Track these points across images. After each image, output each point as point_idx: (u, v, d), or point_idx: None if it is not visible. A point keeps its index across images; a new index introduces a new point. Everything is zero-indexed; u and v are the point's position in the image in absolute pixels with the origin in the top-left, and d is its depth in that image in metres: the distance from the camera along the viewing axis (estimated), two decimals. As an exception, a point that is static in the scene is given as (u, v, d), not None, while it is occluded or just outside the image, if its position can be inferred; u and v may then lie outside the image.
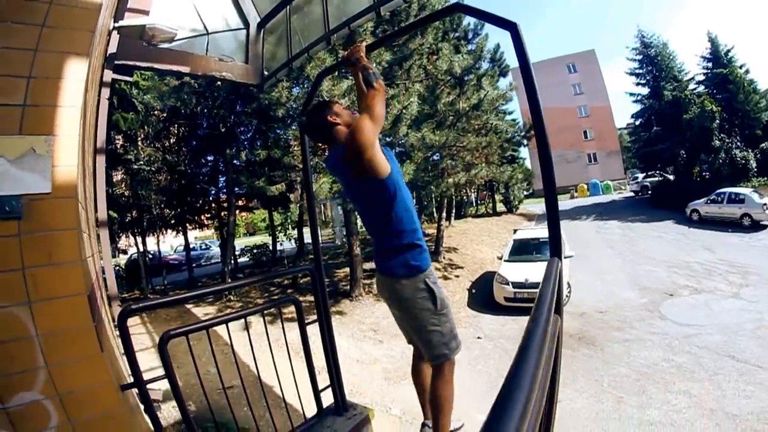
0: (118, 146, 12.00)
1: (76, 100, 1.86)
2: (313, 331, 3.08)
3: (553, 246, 1.97)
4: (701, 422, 5.16)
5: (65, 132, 1.81)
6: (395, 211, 2.16)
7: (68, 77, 1.86)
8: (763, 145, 22.94)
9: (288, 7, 5.22)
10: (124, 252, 17.84)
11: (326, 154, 2.41)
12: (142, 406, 2.27)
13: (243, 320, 2.71)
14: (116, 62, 4.77)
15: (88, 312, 1.84)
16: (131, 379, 2.22)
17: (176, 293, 12.89)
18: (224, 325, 2.58)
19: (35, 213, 1.75)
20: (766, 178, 21.71)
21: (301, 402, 2.99)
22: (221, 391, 3.31)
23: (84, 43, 1.95)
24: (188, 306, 10.91)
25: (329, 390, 3.12)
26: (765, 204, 16.47)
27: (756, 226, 16.27)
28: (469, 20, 17.04)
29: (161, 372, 2.27)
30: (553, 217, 1.99)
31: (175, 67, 5.29)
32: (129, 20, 4.54)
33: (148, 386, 2.19)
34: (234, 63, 5.71)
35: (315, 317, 3.13)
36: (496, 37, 63.69)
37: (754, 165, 22.65)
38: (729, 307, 8.68)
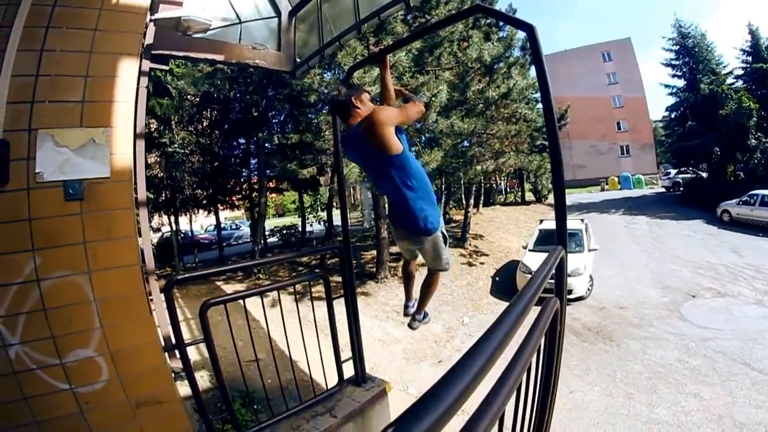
0: (153, 130, 12.45)
1: (129, 96, 2.13)
2: (339, 310, 3.33)
3: (560, 236, 2.14)
4: (708, 427, 5.16)
5: (120, 124, 2.08)
6: (411, 180, 2.54)
7: (121, 75, 2.12)
8: None
9: None
10: (158, 230, 18.45)
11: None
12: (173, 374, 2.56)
13: (271, 297, 2.95)
14: (153, 52, 5.03)
15: (141, 280, 2.13)
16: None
17: (215, 267, 13.46)
18: (255, 301, 2.83)
19: (95, 194, 2.05)
20: None
21: (324, 374, 3.27)
22: (248, 363, 3.60)
23: (134, 44, 2.21)
24: (218, 283, 11.37)
25: (350, 363, 3.38)
26: None
27: None
28: (502, 5, 16.84)
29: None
30: (560, 209, 2.15)
31: (209, 56, 5.51)
32: (164, 12, 4.79)
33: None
34: (267, 51, 5.91)
35: (342, 294, 3.38)
36: (534, 20, 62.00)
37: None
38: (751, 314, 8.46)
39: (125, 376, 2.17)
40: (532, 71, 18.80)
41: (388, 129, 2.40)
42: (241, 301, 2.80)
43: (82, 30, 2.14)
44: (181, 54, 5.44)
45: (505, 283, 12.00)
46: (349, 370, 3.44)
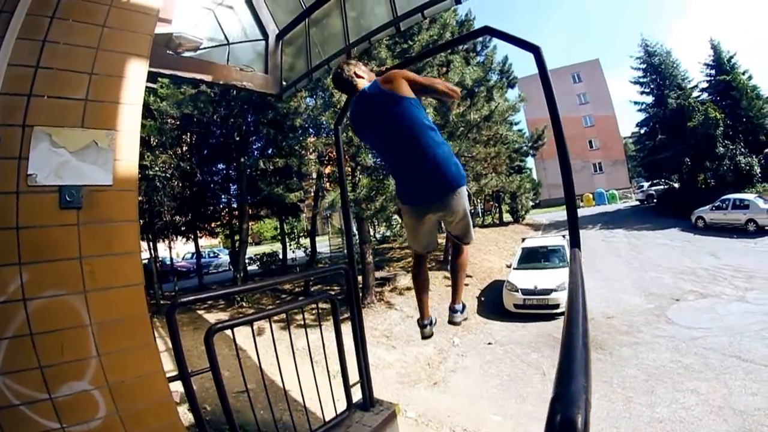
0: (134, 152, 12.12)
1: (136, 98, 1.97)
2: (330, 337, 3.17)
3: (573, 237, 2.16)
4: (709, 419, 5.27)
5: (126, 127, 1.91)
6: (431, 132, 2.41)
7: (129, 76, 1.97)
8: (767, 150, 22.90)
9: (307, 20, 5.35)
10: (135, 257, 17.86)
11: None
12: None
13: (257, 326, 2.76)
14: (141, 69, 4.92)
15: (144, 301, 1.91)
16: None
17: (216, 288, 13.00)
18: (242, 330, 2.64)
19: (95, 203, 1.83)
20: None
21: (333, 400, 3.08)
22: (243, 393, 3.38)
23: (144, 45, 2.07)
24: (200, 312, 10.99)
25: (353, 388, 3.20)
26: None
27: (761, 231, 16.27)
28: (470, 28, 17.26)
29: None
30: (572, 210, 2.22)
31: (198, 76, 5.40)
32: (156, 28, 4.69)
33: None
34: (254, 73, 5.83)
35: (327, 324, 3.26)
36: (504, 50, 64.16)
37: (758, 171, 22.51)
38: (734, 311, 8.77)
39: (126, 412, 1.89)
40: (509, 94, 19.45)
41: (404, 80, 2.37)
42: (228, 331, 2.55)
43: (90, 25, 1.97)
44: (169, 72, 5.31)
45: (491, 302, 11.94)
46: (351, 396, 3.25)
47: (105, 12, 2.01)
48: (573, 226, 2.17)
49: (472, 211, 32.88)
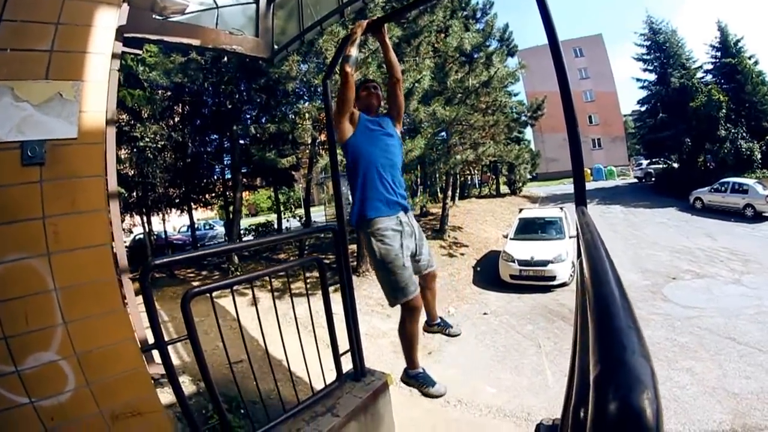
0: (123, 123, 11.88)
1: (105, 48, 1.81)
2: (320, 305, 3.06)
3: (579, 196, 1.99)
4: (703, 399, 5.26)
5: (94, 78, 1.76)
6: (351, 172, 2.62)
7: (97, 25, 1.81)
8: None
9: None
10: (130, 231, 17.76)
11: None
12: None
13: (249, 297, 2.65)
14: (126, 35, 4.72)
15: (111, 263, 1.78)
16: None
17: (180, 274, 12.95)
18: (231, 301, 2.53)
19: (59, 159, 1.68)
20: None
21: (322, 370, 2.97)
22: (235, 364, 3.31)
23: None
24: (195, 283, 10.94)
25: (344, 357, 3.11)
26: None
27: (758, 217, 16.15)
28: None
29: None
30: (578, 167, 2.07)
31: (185, 40, 5.22)
32: (139, -9, 4.48)
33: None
34: (244, 36, 5.64)
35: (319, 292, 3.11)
36: (505, 17, 62.85)
37: (759, 157, 22.31)
38: (730, 292, 8.73)
39: (96, 384, 1.78)
40: (509, 62, 19.05)
41: (336, 121, 2.61)
42: (218, 300, 2.43)
43: None
44: (155, 37, 5.14)
45: (486, 272, 11.92)
46: (345, 366, 3.17)
47: None
48: (579, 185, 2.01)
49: (471, 181, 33.02)
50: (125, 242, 16.93)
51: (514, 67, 13.88)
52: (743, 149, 22.35)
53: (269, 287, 2.97)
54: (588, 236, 1.11)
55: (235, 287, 2.42)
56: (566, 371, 4.92)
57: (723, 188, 18.15)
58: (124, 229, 16.67)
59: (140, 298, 2.19)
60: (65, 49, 1.75)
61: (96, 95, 1.77)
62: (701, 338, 6.81)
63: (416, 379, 2.78)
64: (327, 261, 11.21)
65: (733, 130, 22.74)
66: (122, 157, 12.34)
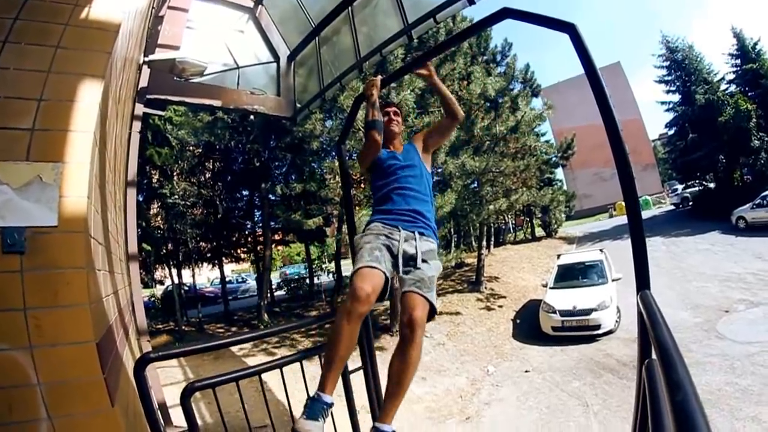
0: (153, 181, 12.22)
1: (89, 125, 1.69)
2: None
3: (640, 272, 1.61)
4: None
5: (76, 159, 1.63)
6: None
7: (82, 100, 1.70)
8: None
9: (317, 38, 5.25)
10: (161, 282, 18.03)
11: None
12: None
13: (279, 354, 2.41)
14: (148, 96, 4.80)
15: (97, 362, 1.61)
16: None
17: (209, 328, 12.84)
18: (258, 358, 2.31)
19: (40, 247, 1.56)
20: None
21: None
22: (259, 429, 3.04)
23: (99, 65, 1.80)
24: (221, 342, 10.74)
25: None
26: None
27: None
28: (496, 41, 16.96)
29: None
30: (639, 247, 1.68)
31: (207, 101, 5.30)
32: (161, 54, 4.58)
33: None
34: (266, 96, 5.69)
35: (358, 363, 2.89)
36: (525, 57, 63.62)
37: None
38: None
39: None
40: (534, 102, 18.95)
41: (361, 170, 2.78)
42: (244, 358, 2.27)
43: (43, 47, 1.76)
44: (177, 99, 5.23)
45: (527, 324, 11.33)
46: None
47: (60, 32, 1.79)
48: (640, 261, 1.64)
49: (505, 227, 32.58)
50: (154, 296, 17.25)
51: (541, 108, 13.72)
52: None
53: (296, 347, 2.71)
54: (680, 399, 0.77)
55: (263, 345, 2.21)
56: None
57: (765, 202, 17.21)
58: (155, 280, 16.93)
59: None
60: (47, 127, 1.64)
61: (78, 178, 1.63)
62: (765, 378, 6.11)
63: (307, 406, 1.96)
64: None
65: (766, 139, 21.82)
66: (152, 212, 12.61)
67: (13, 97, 1.64)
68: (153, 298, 17.05)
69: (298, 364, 2.54)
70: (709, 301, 10.13)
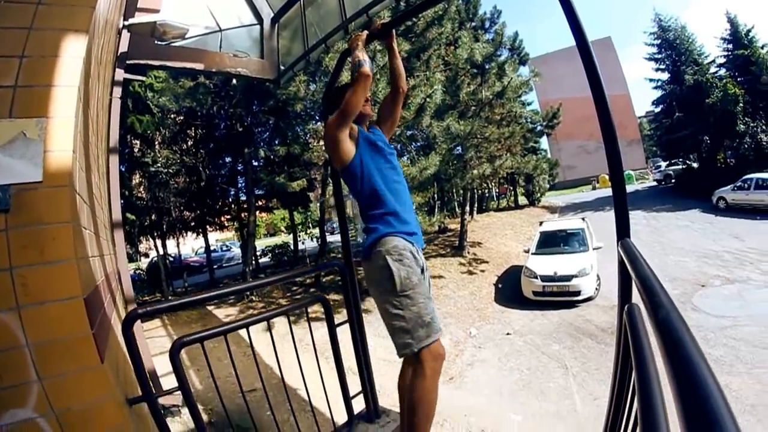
0: (135, 150, 11.99)
1: (73, 80, 1.66)
2: (342, 329, 2.85)
3: (620, 221, 1.69)
4: (742, 418, 4.86)
5: (61, 113, 1.60)
6: (362, 197, 2.21)
7: (65, 54, 1.66)
8: None
9: (301, 0, 5.13)
10: (146, 255, 17.93)
11: None
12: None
13: (265, 321, 2.46)
14: (128, 62, 4.69)
15: (85, 318, 1.61)
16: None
17: (194, 294, 12.79)
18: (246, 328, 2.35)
19: (26, 204, 1.53)
20: None
21: (329, 407, 2.76)
22: (250, 392, 3.12)
23: (83, 20, 1.76)
24: (209, 307, 10.83)
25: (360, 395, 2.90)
26: None
27: None
28: (485, 8, 16.74)
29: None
30: (620, 197, 1.74)
31: (188, 65, 5.20)
32: (141, 18, 4.45)
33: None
34: (249, 59, 5.60)
35: (343, 317, 2.92)
36: (514, 26, 62.68)
37: None
38: (764, 297, 8.28)
39: None
40: (522, 71, 18.85)
41: (334, 136, 2.14)
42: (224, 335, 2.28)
43: (24, 4, 1.71)
44: (158, 63, 5.11)
45: (509, 289, 11.61)
46: (358, 403, 2.94)
47: None
48: (621, 211, 1.70)
49: (488, 194, 32.73)
50: (139, 269, 17.18)
51: (527, 76, 13.66)
52: (764, 143, 21.76)
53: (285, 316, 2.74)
54: (663, 314, 0.86)
55: (249, 311, 2.24)
56: (595, 395, 4.66)
57: (746, 185, 17.64)
58: (140, 253, 16.82)
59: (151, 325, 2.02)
60: (29, 83, 1.60)
61: (63, 133, 1.61)
62: (736, 350, 6.41)
63: None
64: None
65: (752, 124, 22.21)
66: (135, 182, 12.42)
67: (-6, 56, 1.60)
68: (138, 271, 17.00)
69: (287, 328, 2.60)
70: (686, 275, 10.46)
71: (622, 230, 1.62)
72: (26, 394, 1.54)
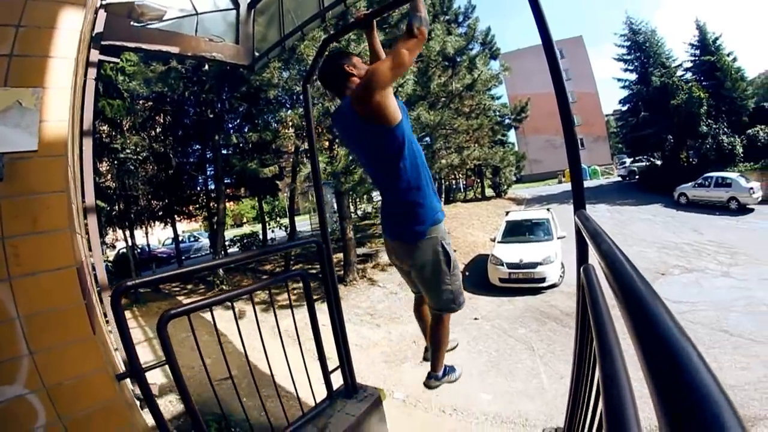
0: (103, 134, 11.64)
1: (69, 51, 1.67)
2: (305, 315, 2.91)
3: (577, 196, 1.92)
4: None
5: (56, 84, 1.61)
6: (403, 165, 2.07)
7: (61, 27, 1.67)
8: (750, 131, 23.11)
9: None
10: (113, 246, 17.41)
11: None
12: (138, 402, 2.05)
13: (237, 309, 2.49)
14: (103, 43, 4.57)
15: (78, 287, 1.62)
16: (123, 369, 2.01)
17: (165, 288, 12.63)
18: (220, 314, 2.39)
19: (19, 174, 1.53)
20: (752, 164, 21.73)
21: (311, 387, 2.81)
22: (219, 382, 3.15)
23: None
24: (179, 298, 10.72)
25: (337, 373, 2.98)
26: (751, 188, 16.80)
27: (743, 209, 16.61)
28: (459, 2, 16.91)
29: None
30: (576, 168, 1.97)
31: (164, 48, 5.08)
32: (116, -2, 4.34)
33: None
34: (224, 43, 5.52)
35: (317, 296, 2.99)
36: (486, 21, 63.31)
37: (741, 151, 22.74)
38: (720, 285, 8.80)
39: (69, 418, 1.62)
40: (492, 65, 19.17)
41: (382, 92, 1.90)
42: (203, 314, 2.33)
43: None
44: (133, 45, 4.98)
45: (476, 276, 11.84)
46: (335, 381, 3.02)
47: None
48: (577, 187, 1.92)
49: (455, 185, 33.04)
50: (107, 261, 16.71)
51: (498, 70, 13.92)
52: (725, 144, 22.84)
53: (255, 301, 2.79)
54: (605, 247, 0.98)
55: (202, 303, 2.27)
56: (561, 373, 4.87)
57: (707, 183, 18.49)
58: (107, 244, 16.37)
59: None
60: (25, 52, 1.60)
61: (58, 103, 1.62)
62: (694, 332, 6.76)
63: (445, 377, 2.77)
64: (314, 270, 11.03)
65: (714, 126, 23.34)
66: (103, 169, 12.08)
67: (-11, 22, 1.59)
68: (106, 262, 16.49)
69: (253, 320, 2.62)
70: (647, 264, 10.93)
71: (578, 203, 1.83)
72: (16, 369, 1.53)
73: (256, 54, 5.58)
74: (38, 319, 1.56)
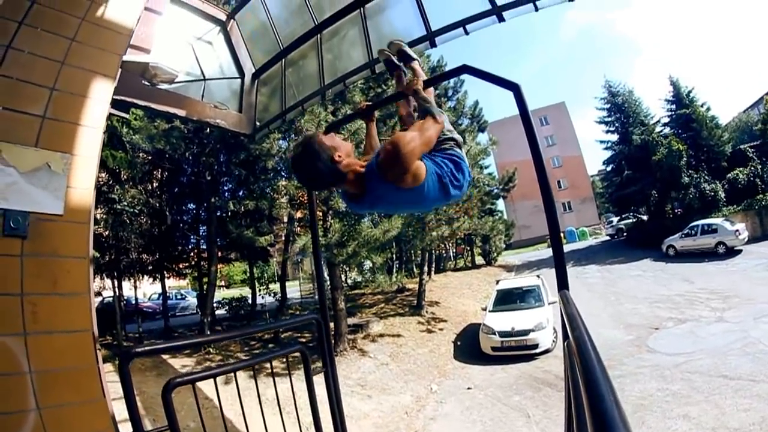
0: (102, 183, 11.70)
1: (98, 122, 1.77)
2: (300, 386, 2.88)
3: (560, 276, 2.04)
4: None
5: (84, 153, 1.70)
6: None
7: (93, 97, 1.78)
8: (730, 175, 23.88)
9: (284, 60, 5.33)
10: (99, 294, 16.94)
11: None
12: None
13: (226, 375, 2.45)
14: (114, 97, 4.73)
15: (93, 351, 1.64)
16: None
17: (184, 337, 12.19)
18: (209, 384, 2.35)
19: (43, 234, 1.58)
20: (735, 206, 22.37)
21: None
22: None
23: (111, 66, 1.90)
24: (164, 357, 10.37)
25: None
26: (737, 230, 17.26)
27: (731, 252, 16.93)
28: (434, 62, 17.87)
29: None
30: (558, 252, 2.10)
31: (171, 110, 5.25)
32: (132, 56, 4.55)
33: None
34: (228, 111, 5.72)
35: (298, 373, 2.97)
36: (474, 95, 66.06)
37: (723, 195, 23.41)
38: (714, 331, 8.80)
39: None
40: (480, 138, 19.89)
41: (411, 169, 1.82)
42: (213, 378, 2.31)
43: (59, 36, 1.79)
44: (143, 103, 5.14)
45: (467, 346, 11.71)
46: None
47: (76, 25, 1.86)
48: (560, 264, 2.07)
49: (445, 254, 33.16)
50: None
51: (486, 144, 14.47)
52: (707, 191, 23.47)
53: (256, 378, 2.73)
54: (577, 334, 1.09)
55: (206, 363, 2.26)
56: (558, 439, 4.66)
57: (693, 232, 18.90)
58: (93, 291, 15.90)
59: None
60: (58, 117, 1.70)
61: (86, 171, 1.70)
62: (692, 382, 6.73)
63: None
64: (303, 339, 10.85)
65: (695, 176, 24.01)
66: (97, 216, 12.05)
67: (26, 81, 1.67)
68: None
69: (247, 384, 2.56)
70: (640, 320, 10.94)
71: (562, 284, 1.98)
72: (22, 422, 1.52)
73: (258, 124, 5.72)
74: (49, 377, 1.57)
